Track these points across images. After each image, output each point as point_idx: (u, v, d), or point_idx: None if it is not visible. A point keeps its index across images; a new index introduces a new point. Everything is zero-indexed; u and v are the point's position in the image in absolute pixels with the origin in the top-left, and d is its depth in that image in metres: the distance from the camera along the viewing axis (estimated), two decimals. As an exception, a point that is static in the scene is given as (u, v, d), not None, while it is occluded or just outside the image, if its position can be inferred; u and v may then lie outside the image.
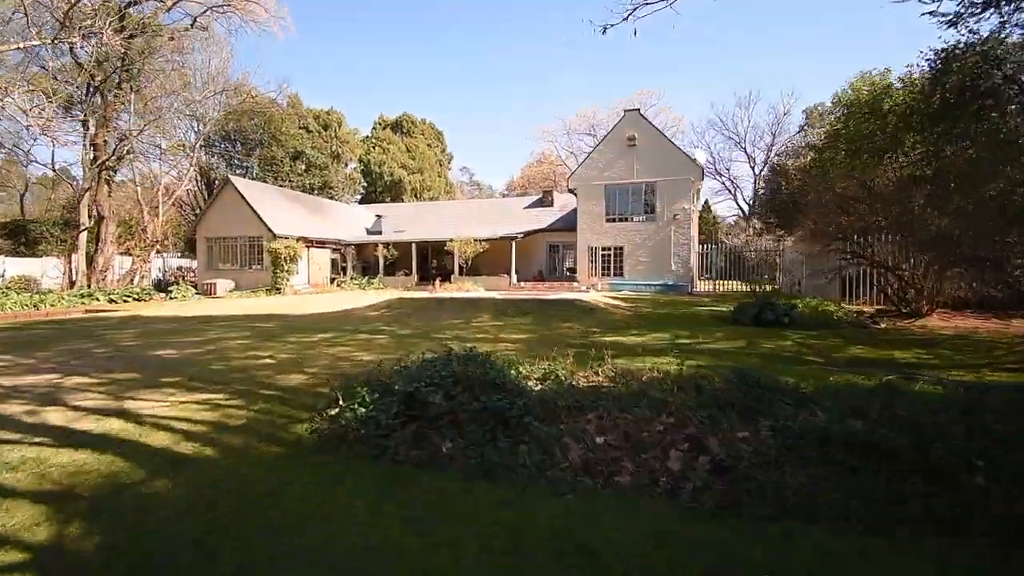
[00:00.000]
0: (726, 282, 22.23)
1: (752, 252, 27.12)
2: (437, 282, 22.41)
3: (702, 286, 22.17)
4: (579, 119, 47.02)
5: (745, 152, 42.91)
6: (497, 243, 24.06)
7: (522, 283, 23.40)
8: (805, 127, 42.18)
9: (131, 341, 9.20)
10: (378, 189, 43.59)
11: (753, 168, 42.23)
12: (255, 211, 22.63)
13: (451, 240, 23.37)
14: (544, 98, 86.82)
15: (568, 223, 27.69)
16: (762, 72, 68.98)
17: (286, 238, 22.22)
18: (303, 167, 31.92)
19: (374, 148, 44.35)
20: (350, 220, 29.83)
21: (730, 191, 43.10)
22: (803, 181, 15.04)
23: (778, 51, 67.63)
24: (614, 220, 22.75)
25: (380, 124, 47.68)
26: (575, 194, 23.58)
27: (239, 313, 14.08)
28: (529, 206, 30.48)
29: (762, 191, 18.70)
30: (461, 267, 23.64)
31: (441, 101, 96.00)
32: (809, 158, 14.98)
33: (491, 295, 18.00)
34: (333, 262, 26.11)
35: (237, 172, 28.97)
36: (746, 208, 42.91)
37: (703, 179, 22.78)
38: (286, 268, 21.72)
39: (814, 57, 65.07)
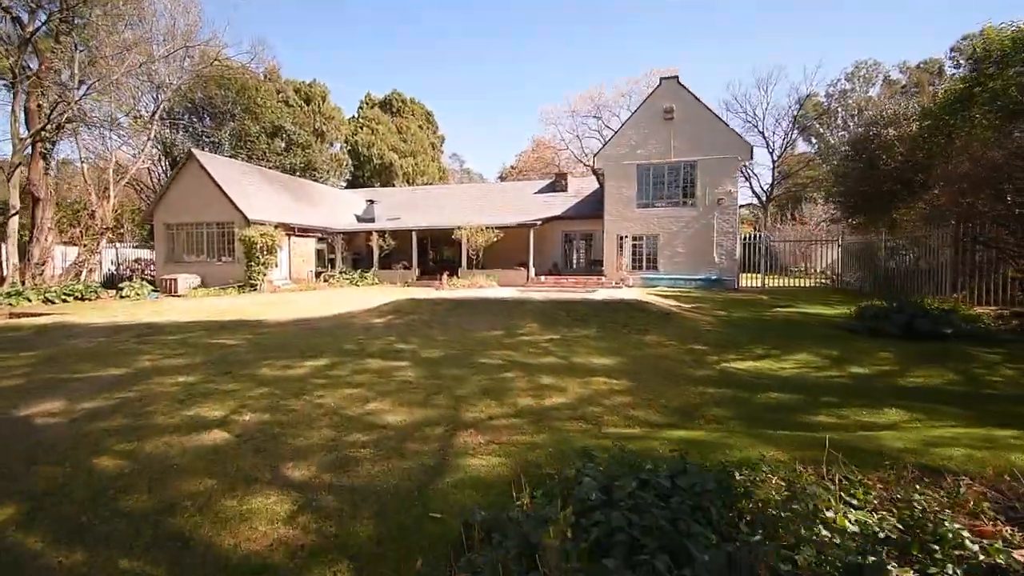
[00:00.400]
0: (762, 276, 19.53)
1: (783, 243, 24.53)
2: (444, 277, 19.21)
3: (744, 281, 19.39)
4: (583, 100, 43.75)
5: (763, 136, 40.14)
6: (510, 232, 20.90)
7: (541, 277, 20.33)
8: (800, 116, 39.89)
9: (13, 377, 5.92)
10: (366, 174, 39.93)
11: (771, 153, 39.53)
12: (224, 192, 19.07)
13: (459, 228, 20.13)
14: (535, 89, 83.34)
15: (585, 210, 24.71)
16: (776, 54, 66.43)
17: (262, 224, 18.75)
18: (283, 145, 28.02)
19: (362, 128, 40.57)
20: (338, 206, 26.32)
21: (746, 177, 40.36)
22: (907, 154, 12.17)
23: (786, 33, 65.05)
24: (648, 205, 19.76)
25: (367, 103, 43.84)
26: (600, 176, 20.47)
27: (200, 319, 10.75)
28: (540, 191, 27.34)
29: (843, 168, 15.78)
30: (471, 259, 20.46)
31: (428, 87, 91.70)
32: (915, 127, 12.12)
33: (514, 293, 14.91)
34: (319, 253, 22.69)
35: (206, 149, 25.15)
36: (763, 196, 40.34)
37: (751, 158, 19.97)
38: (263, 260, 18.29)
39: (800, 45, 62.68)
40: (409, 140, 42.45)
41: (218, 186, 19.23)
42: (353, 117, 43.01)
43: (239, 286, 18.18)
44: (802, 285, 20.11)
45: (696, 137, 19.00)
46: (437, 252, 27.25)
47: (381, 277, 21.51)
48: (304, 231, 21.35)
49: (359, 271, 21.64)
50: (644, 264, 19.81)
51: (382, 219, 26.13)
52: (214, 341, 8.11)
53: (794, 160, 42.77)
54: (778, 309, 11.96)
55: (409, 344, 7.79)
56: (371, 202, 26.32)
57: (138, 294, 17.00)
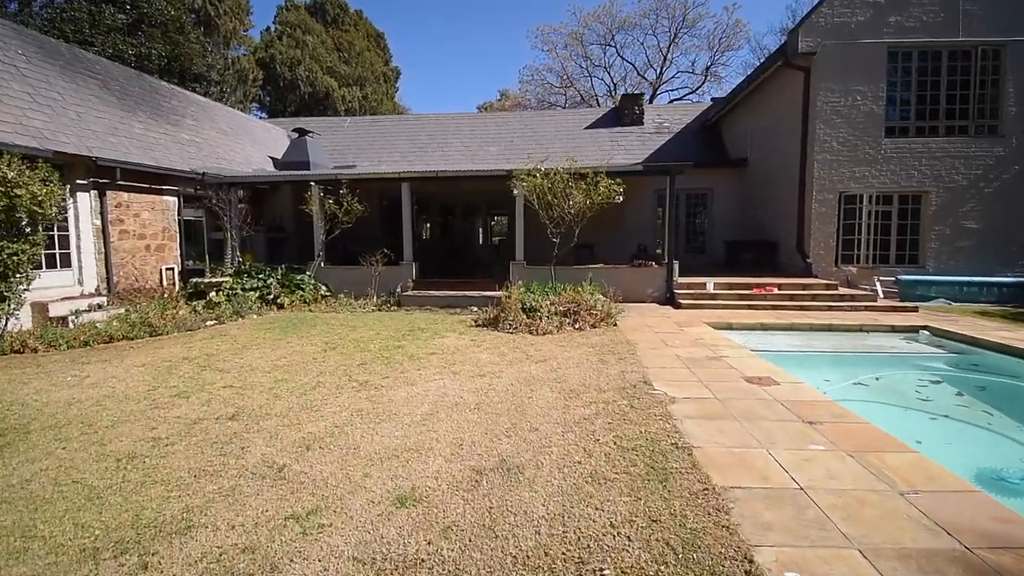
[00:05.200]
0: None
1: None
2: (514, 294, 8.18)
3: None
4: (591, 19, 32.72)
5: None
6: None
7: (708, 285, 9.73)
8: None
9: None
10: (289, 106, 26.98)
11: None
12: None
13: (522, 176, 9.00)
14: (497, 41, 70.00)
15: (690, 152, 14.48)
16: None
17: None
18: (123, 20, 14.72)
19: (281, 38, 27.26)
20: (234, 135, 14.06)
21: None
22: None
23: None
24: (904, 132, 9.83)
25: (288, 6, 30.08)
26: (804, 70, 10.12)
27: None
28: (594, 125, 16.61)
29: None
30: (544, 242, 9.50)
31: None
32: None
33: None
34: (188, 228, 10.71)
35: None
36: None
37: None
38: None
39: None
40: (353, 62, 29.58)
41: None
42: (267, 29, 29.28)
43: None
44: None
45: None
46: (439, 230, 15.99)
47: (335, 283, 10.09)
48: (151, 180, 9.31)
49: (282, 268, 10.03)
50: (893, 252, 9.97)
51: (325, 164, 14.31)
52: None
53: None
54: None
55: None
56: (302, 134, 14.35)
57: None
